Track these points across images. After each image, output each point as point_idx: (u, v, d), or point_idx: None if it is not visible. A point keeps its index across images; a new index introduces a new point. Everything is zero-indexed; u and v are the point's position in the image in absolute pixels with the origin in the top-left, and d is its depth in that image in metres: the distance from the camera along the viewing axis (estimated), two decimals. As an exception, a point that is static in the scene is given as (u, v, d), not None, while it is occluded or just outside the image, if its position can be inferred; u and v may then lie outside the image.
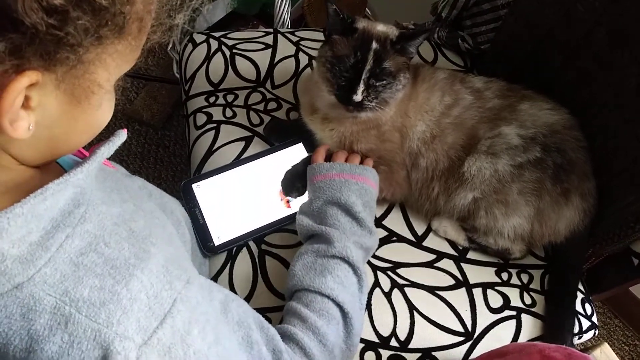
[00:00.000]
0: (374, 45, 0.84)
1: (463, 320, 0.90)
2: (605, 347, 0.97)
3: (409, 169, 0.97)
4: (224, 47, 1.19)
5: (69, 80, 0.43)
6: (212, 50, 1.19)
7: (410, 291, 0.91)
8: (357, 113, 0.88)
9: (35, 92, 0.42)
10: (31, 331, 0.45)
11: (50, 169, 0.55)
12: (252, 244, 0.93)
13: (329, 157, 0.93)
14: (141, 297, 0.49)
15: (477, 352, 0.88)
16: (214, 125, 1.07)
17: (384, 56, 0.85)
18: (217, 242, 0.91)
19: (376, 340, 0.86)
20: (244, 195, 0.96)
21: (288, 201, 0.95)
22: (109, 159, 0.59)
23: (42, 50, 0.39)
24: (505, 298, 0.93)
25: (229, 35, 1.23)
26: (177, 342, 0.50)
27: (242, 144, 1.04)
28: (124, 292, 0.48)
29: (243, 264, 0.91)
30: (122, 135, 0.56)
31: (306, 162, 0.93)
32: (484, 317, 0.91)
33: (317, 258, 0.76)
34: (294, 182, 0.93)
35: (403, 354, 0.87)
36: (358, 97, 0.85)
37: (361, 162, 0.92)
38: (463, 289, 0.93)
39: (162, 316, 0.50)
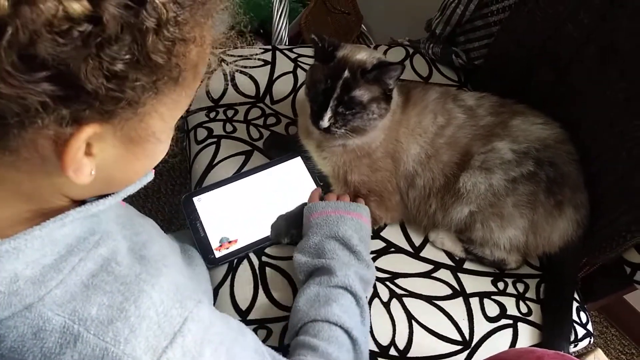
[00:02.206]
0: (346, 74, 0.86)
1: (461, 329, 0.91)
2: (599, 353, 0.98)
3: (406, 189, 0.99)
4: (223, 64, 1.22)
5: (125, 130, 0.44)
6: (212, 67, 1.21)
7: (408, 301, 0.92)
8: (330, 137, 0.91)
9: (95, 140, 0.43)
10: (44, 349, 0.45)
11: None
12: (252, 255, 0.94)
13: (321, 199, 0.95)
14: (150, 314, 0.48)
15: (474, 361, 0.89)
16: (215, 139, 1.09)
17: (353, 85, 0.86)
18: (217, 255, 0.92)
19: (375, 349, 0.88)
20: (244, 208, 0.97)
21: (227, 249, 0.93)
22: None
23: (101, 109, 0.40)
24: (502, 307, 0.95)
25: (228, 52, 1.26)
26: None
27: (242, 158, 1.06)
28: (132, 310, 0.48)
29: (244, 276, 0.92)
30: (149, 176, 0.57)
31: (301, 207, 0.93)
32: (481, 326, 0.92)
33: (320, 289, 0.76)
34: (289, 227, 0.93)
35: (402, 363, 0.88)
36: (324, 124, 0.87)
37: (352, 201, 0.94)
38: (460, 299, 0.94)
39: (172, 335, 0.49)
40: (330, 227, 0.84)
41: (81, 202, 0.51)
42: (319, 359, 0.66)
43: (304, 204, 0.93)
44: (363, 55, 0.90)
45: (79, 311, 0.46)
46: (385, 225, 1.01)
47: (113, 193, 0.53)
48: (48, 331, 0.45)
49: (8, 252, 0.44)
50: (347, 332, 0.71)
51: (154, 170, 0.57)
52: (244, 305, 0.89)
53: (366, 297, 0.80)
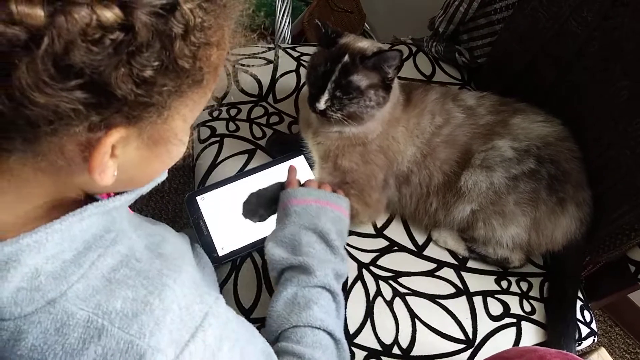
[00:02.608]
0: (345, 58, 0.86)
1: (464, 327, 0.91)
2: (602, 352, 0.98)
3: (398, 186, 0.98)
4: (226, 62, 1.22)
5: (149, 132, 0.45)
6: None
7: (411, 300, 0.92)
8: (327, 123, 0.90)
9: (120, 143, 0.44)
10: (65, 345, 0.45)
11: None
12: (255, 254, 0.94)
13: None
14: (174, 307, 0.49)
15: (478, 359, 0.89)
16: (218, 138, 1.10)
17: (351, 70, 0.86)
18: (221, 253, 0.93)
19: (379, 348, 0.88)
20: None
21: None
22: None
23: (128, 114, 0.40)
24: (505, 306, 0.95)
25: (231, 51, 1.26)
26: (207, 357, 0.50)
27: (245, 156, 1.07)
28: (157, 303, 0.48)
29: (247, 275, 0.92)
30: (163, 175, 0.57)
31: (276, 188, 0.92)
32: (485, 325, 0.92)
33: (298, 290, 0.74)
34: (257, 207, 0.91)
35: (405, 362, 0.88)
36: (321, 106, 0.87)
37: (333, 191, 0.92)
38: (464, 297, 0.94)
39: (193, 329, 0.50)
40: (309, 218, 0.81)
41: (92, 198, 0.52)
42: None
43: (279, 184, 0.91)
44: (365, 43, 0.91)
45: (103, 305, 0.47)
46: (362, 223, 1.00)
47: (127, 191, 0.54)
48: (71, 326, 0.45)
49: (29, 246, 0.44)
50: (330, 334, 0.71)
51: (167, 170, 0.58)
52: (247, 303, 0.89)
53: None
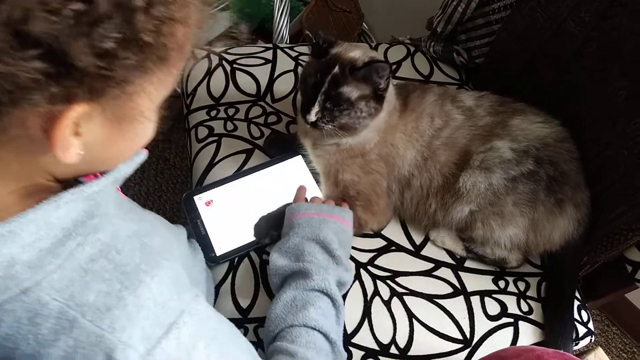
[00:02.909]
0: (335, 69, 0.85)
1: (461, 327, 0.91)
2: (599, 351, 0.98)
3: (401, 190, 0.99)
4: (224, 62, 1.22)
5: (113, 109, 0.45)
6: (213, 65, 1.21)
7: (409, 299, 0.92)
8: (322, 135, 0.90)
9: (83, 119, 0.43)
10: (38, 336, 0.45)
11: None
12: (253, 254, 0.94)
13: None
14: (148, 304, 0.48)
15: (475, 359, 0.89)
16: (215, 138, 1.09)
17: (341, 81, 0.85)
18: (218, 253, 0.92)
19: (376, 347, 0.88)
20: (245, 207, 0.97)
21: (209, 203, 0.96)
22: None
23: (90, 87, 0.40)
24: (503, 305, 0.95)
25: (229, 51, 1.26)
26: (182, 355, 0.49)
27: (242, 156, 1.07)
28: (131, 298, 0.48)
29: (245, 274, 0.92)
30: (142, 155, 0.57)
31: (284, 209, 0.91)
32: (482, 325, 0.92)
33: (297, 293, 0.75)
34: (269, 229, 0.92)
35: (403, 362, 0.88)
36: (311, 118, 0.87)
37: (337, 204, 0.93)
38: (461, 297, 0.94)
39: (167, 326, 0.49)
40: (312, 230, 0.82)
41: (68, 184, 0.51)
42: None
43: (286, 205, 0.92)
44: (357, 53, 0.90)
45: (77, 297, 0.46)
46: (372, 231, 1.00)
47: (104, 173, 0.53)
48: (44, 316, 0.45)
49: (4, 236, 0.44)
50: (325, 336, 0.70)
51: (146, 150, 0.58)
52: (244, 303, 0.89)
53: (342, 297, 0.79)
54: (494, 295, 0.96)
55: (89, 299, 0.47)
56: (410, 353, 0.89)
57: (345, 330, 0.89)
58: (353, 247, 0.97)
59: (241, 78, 1.20)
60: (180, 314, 0.51)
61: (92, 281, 0.48)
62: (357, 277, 0.94)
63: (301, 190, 0.95)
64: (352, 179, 0.95)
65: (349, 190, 0.96)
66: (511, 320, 0.94)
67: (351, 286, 0.92)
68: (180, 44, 0.46)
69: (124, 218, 0.56)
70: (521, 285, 0.99)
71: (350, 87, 0.86)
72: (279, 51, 1.27)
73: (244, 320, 0.88)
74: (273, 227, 0.91)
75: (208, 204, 0.97)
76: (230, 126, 1.12)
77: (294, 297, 0.74)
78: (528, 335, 0.93)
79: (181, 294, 0.52)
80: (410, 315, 0.91)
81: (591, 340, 0.99)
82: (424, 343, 0.89)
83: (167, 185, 1.74)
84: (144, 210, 0.69)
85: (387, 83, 0.88)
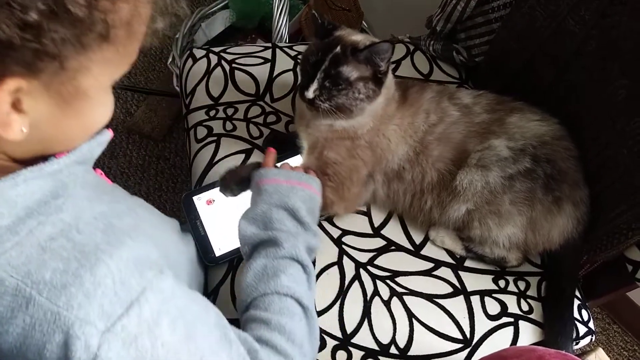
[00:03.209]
0: (337, 49, 0.86)
1: (461, 327, 0.91)
2: (600, 352, 0.98)
3: (387, 182, 0.98)
4: (223, 62, 1.22)
5: (55, 86, 0.45)
6: (212, 65, 1.21)
7: (409, 299, 0.92)
8: (317, 115, 0.90)
9: (24, 96, 0.44)
10: None
11: None
12: (253, 254, 0.94)
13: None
14: (106, 282, 0.48)
15: (475, 359, 0.89)
16: (215, 138, 1.09)
17: (342, 60, 0.86)
18: (218, 253, 0.92)
19: (376, 347, 0.88)
20: (245, 207, 0.97)
21: (210, 202, 0.96)
22: (111, 177, 0.60)
23: (20, 60, 0.40)
24: (503, 305, 0.95)
25: (228, 50, 1.25)
26: (143, 332, 0.49)
27: (242, 156, 1.06)
28: (88, 276, 0.47)
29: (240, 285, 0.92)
30: (105, 134, 0.57)
31: (250, 167, 0.90)
32: (482, 324, 0.92)
33: (268, 261, 0.73)
34: (230, 182, 0.91)
35: (403, 362, 0.88)
36: (309, 94, 0.87)
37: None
38: (461, 297, 0.94)
39: (128, 303, 0.48)
40: (280, 197, 0.80)
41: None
42: (272, 332, 0.64)
43: (254, 164, 0.91)
44: (359, 37, 0.90)
45: (33, 274, 0.46)
46: (337, 214, 0.99)
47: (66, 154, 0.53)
48: (1, 293, 0.46)
49: None
50: (298, 301, 0.69)
51: (111, 131, 0.58)
52: (244, 304, 0.89)
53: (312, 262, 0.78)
54: (494, 295, 0.96)
55: (45, 276, 0.46)
56: (410, 353, 0.89)
57: (345, 330, 0.88)
58: (352, 247, 0.97)
59: (240, 77, 1.19)
60: (142, 291, 0.50)
61: (49, 259, 0.47)
62: (357, 277, 0.94)
63: (270, 154, 0.91)
64: (335, 158, 0.94)
65: (327, 168, 0.94)
66: (511, 319, 0.94)
67: (350, 286, 0.92)
68: (125, 22, 0.46)
69: (94, 200, 0.56)
70: (521, 285, 0.99)
71: (350, 67, 0.86)
72: (278, 50, 1.26)
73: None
74: (235, 183, 0.90)
75: (209, 202, 0.97)
76: (229, 126, 1.11)
77: (264, 265, 0.72)
78: (528, 334, 0.93)
79: (143, 272, 0.51)
80: (410, 315, 0.91)
81: (592, 339, 0.99)
82: (424, 343, 0.89)
83: (167, 185, 1.73)
84: (128, 196, 0.69)
85: (387, 66, 0.88)
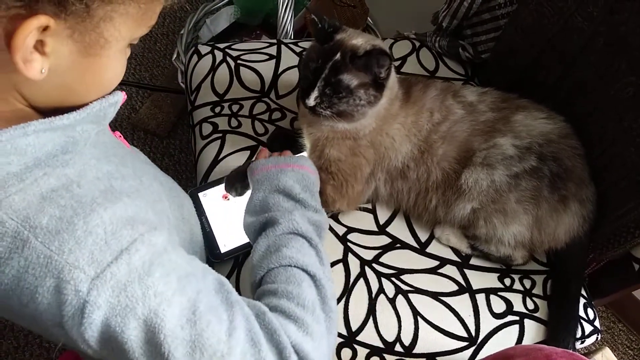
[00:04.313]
0: (337, 56, 0.85)
1: (467, 325, 0.91)
2: (607, 352, 0.98)
3: (390, 181, 0.98)
4: (228, 58, 1.22)
5: (80, 32, 0.48)
6: (217, 62, 1.21)
7: (414, 297, 0.92)
8: (317, 117, 0.89)
9: (50, 38, 0.46)
10: None
11: None
12: (258, 251, 0.94)
13: None
14: (98, 231, 0.50)
15: (480, 357, 0.89)
16: (220, 135, 1.09)
17: (342, 68, 0.85)
18: (223, 250, 0.93)
19: (381, 345, 0.88)
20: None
21: (226, 197, 0.96)
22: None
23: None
24: (508, 303, 0.95)
25: (233, 47, 1.25)
26: (134, 280, 0.50)
27: (247, 153, 1.06)
28: (80, 224, 0.49)
29: (249, 272, 0.92)
30: (117, 95, 0.59)
31: (247, 164, 0.89)
32: (487, 322, 0.92)
33: (269, 240, 0.71)
34: (235, 181, 0.91)
35: (408, 359, 0.88)
36: (310, 102, 0.87)
37: None
38: (466, 295, 0.94)
39: (117, 252, 0.50)
40: (270, 182, 0.79)
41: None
42: (280, 299, 0.62)
43: (252, 160, 0.90)
44: (360, 40, 0.89)
45: (31, 218, 0.48)
46: (339, 211, 0.99)
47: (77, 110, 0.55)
48: (1, 234, 0.48)
49: None
50: (304, 270, 0.66)
51: (124, 93, 0.60)
52: (249, 300, 0.89)
53: (322, 242, 0.74)
54: (499, 293, 0.96)
55: (42, 221, 0.48)
56: (415, 351, 0.89)
57: (350, 327, 0.88)
58: (358, 245, 0.97)
59: (245, 74, 1.19)
60: (132, 241, 0.51)
61: (48, 206, 0.49)
62: (362, 274, 0.93)
63: (262, 152, 0.91)
64: (337, 156, 0.94)
65: (330, 165, 0.94)
66: (517, 318, 0.93)
67: (355, 284, 0.92)
68: None
69: (102, 159, 0.58)
70: (527, 283, 0.98)
71: (350, 75, 0.85)
72: (283, 47, 1.26)
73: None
74: (238, 181, 0.90)
75: (225, 197, 0.98)
76: (234, 123, 1.11)
77: (267, 245, 0.71)
78: (533, 333, 0.93)
79: (136, 226, 0.52)
80: (415, 313, 0.91)
81: (597, 338, 0.98)
82: (429, 341, 0.89)
83: (171, 181, 1.73)
84: (142, 163, 0.71)
85: (387, 73, 0.87)
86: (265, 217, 0.74)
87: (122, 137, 0.74)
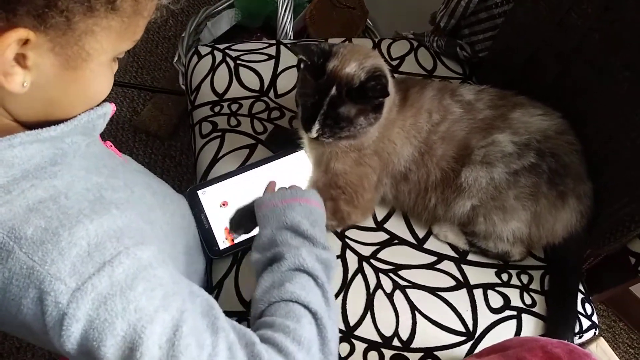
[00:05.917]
0: (333, 91, 0.86)
1: (464, 320, 0.92)
2: (601, 342, 0.98)
3: (395, 184, 0.98)
4: (228, 59, 1.23)
5: (62, 45, 0.47)
6: (217, 62, 1.22)
7: (411, 292, 0.93)
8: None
9: (31, 51, 0.46)
10: None
11: None
12: (257, 248, 0.95)
13: None
14: (82, 243, 0.49)
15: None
16: (219, 133, 1.10)
17: (339, 103, 0.86)
18: (222, 246, 0.93)
19: (379, 340, 0.88)
20: (248, 201, 0.98)
21: (233, 239, 0.95)
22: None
23: (32, 9, 0.43)
24: (506, 298, 0.95)
25: (233, 47, 1.26)
26: (115, 293, 0.49)
27: (246, 151, 1.07)
28: (65, 235, 0.49)
29: (248, 268, 0.93)
30: (106, 106, 0.58)
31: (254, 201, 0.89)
32: (485, 317, 0.92)
33: (274, 276, 0.70)
34: (241, 220, 0.90)
35: (405, 354, 0.88)
36: (313, 134, 0.89)
37: None
38: (464, 290, 0.95)
39: (100, 264, 0.49)
40: (277, 218, 0.78)
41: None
42: (277, 333, 0.60)
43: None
44: (352, 66, 0.87)
45: (17, 229, 0.48)
46: (355, 223, 0.99)
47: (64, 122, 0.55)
48: None
49: None
50: (305, 306, 0.65)
51: (113, 105, 0.60)
52: (248, 297, 0.90)
53: (329, 283, 0.72)
54: (497, 288, 0.96)
55: (27, 232, 0.48)
56: (412, 345, 0.89)
57: (347, 322, 0.89)
58: (355, 241, 0.98)
59: (245, 74, 1.20)
60: (116, 254, 0.50)
61: (33, 217, 0.49)
62: (360, 270, 0.94)
63: (270, 185, 0.92)
64: (343, 169, 0.95)
65: (338, 179, 0.95)
66: (514, 313, 0.94)
67: (353, 279, 0.93)
68: None
69: (92, 171, 0.58)
70: (524, 278, 0.99)
71: (348, 107, 0.87)
72: (282, 47, 1.27)
73: (247, 313, 0.89)
74: (243, 220, 0.90)
75: (224, 204, 0.98)
76: (233, 121, 1.12)
77: (272, 280, 0.70)
78: (531, 328, 0.93)
79: (122, 239, 0.52)
80: (413, 308, 0.91)
81: (595, 333, 0.99)
82: (427, 335, 0.90)
83: (173, 183, 1.75)
84: (133, 173, 0.71)
85: (384, 94, 0.87)
86: (272, 252, 0.74)
87: (113, 146, 0.74)
